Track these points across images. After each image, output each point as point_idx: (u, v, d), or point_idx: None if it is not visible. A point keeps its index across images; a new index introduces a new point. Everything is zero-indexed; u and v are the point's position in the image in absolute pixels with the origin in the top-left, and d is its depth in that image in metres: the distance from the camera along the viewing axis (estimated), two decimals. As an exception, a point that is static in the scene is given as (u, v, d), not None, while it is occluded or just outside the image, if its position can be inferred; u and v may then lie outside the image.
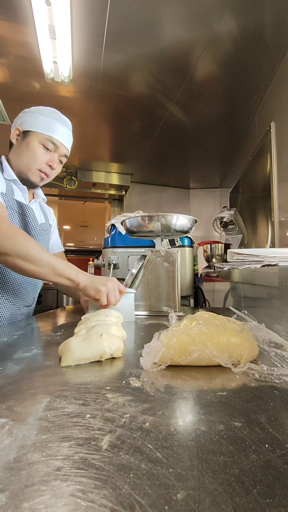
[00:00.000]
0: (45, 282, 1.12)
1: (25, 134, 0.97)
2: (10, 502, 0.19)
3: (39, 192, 1.11)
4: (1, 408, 0.31)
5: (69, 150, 1.05)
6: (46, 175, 1.01)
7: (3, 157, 1.00)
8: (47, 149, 0.97)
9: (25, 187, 1.00)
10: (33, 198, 1.09)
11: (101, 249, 2.07)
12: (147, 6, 1.28)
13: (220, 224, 2.46)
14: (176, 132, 2.33)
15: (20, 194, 1.00)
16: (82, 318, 0.73)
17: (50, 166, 0.99)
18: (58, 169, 1.03)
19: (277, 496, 0.19)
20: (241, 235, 2.27)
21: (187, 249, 1.89)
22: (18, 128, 0.97)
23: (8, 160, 1.00)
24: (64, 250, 1.28)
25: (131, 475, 0.21)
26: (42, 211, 1.13)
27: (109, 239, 1.96)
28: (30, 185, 1.01)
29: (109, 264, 1.82)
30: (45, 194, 1.18)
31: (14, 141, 0.98)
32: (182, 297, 1.75)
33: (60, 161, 1.03)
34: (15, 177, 0.97)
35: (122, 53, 1.57)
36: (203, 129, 2.27)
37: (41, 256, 0.79)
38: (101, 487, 0.20)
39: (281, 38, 1.44)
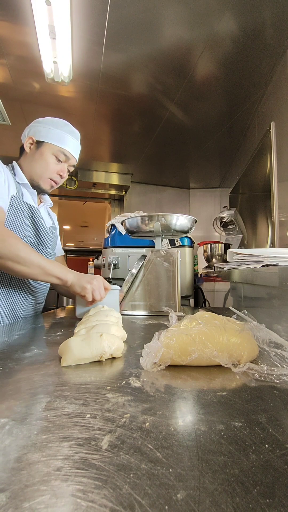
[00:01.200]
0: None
1: (38, 144, 1.03)
2: (11, 502, 0.19)
3: (46, 197, 1.16)
4: (1, 408, 0.31)
5: (77, 159, 1.11)
6: (56, 183, 1.08)
7: (14, 162, 1.05)
8: (59, 160, 1.04)
9: (35, 191, 1.06)
10: (41, 202, 1.15)
11: (101, 249, 2.07)
12: (147, 6, 1.28)
13: (220, 224, 2.46)
14: (176, 132, 2.33)
15: (30, 197, 1.05)
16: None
17: (60, 175, 1.07)
18: (66, 177, 1.10)
19: (277, 496, 0.19)
20: (241, 235, 2.27)
21: (187, 249, 1.89)
22: (31, 138, 1.03)
23: (19, 165, 1.05)
24: (64, 254, 1.34)
25: (131, 475, 0.21)
26: (49, 215, 1.20)
27: (109, 239, 1.96)
28: (40, 191, 1.08)
29: (109, 264, 1.82)
30: (45, 194, 1.20)
31: (27, 149, 1.03)
32: (182, 297, 1.75)
33: (68, 170, 1.10)
34: (26, 181, 1.02)
35: (122, 53, 1.57)
36: (203, 129, 2.27)
37: (31, 258, 0.83)
38: (101, 487, 0.20)
39: (281, 38, 1.44)
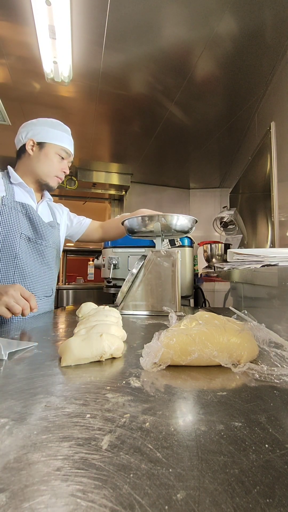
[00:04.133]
0: None
1: (40, 145, 1.11)
2: (10, 502, 0.19)
3: (46, 193, 1.23)
4: (1, 408, 0.31)
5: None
6: (61, 180, 1.20)
7: (9, 167, 1.13)
8: (62, 158, 1.15)
9: (31, 189, 1.12)
10: (41, 199, 1.22)
11: (101, 249, 2.07)
12: (147, 6, 1.28)
13: (220, 224, 2.46)
14: (176, 132, 2.33)
15: (27, 195, 1.12)
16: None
17: (64, 172, 1.18)
18: (68, 173, 1.21)
19: (277, 496, 0.19)
20: (241, 235, 2.27)
21: (187, 249, 1.89)
22: (32, 140, 1.11)
23: (19, 166, 1.14)
24: (91, 220, 1.49)
25: (131, 475, 0.21)
26: (51, 210, 1.25)
27: (109, 239, 1.95)
28: (48, 189, 1.19)
29: (109, 264, 1.82)
30: (45, 194, 1.24)
31: (30, 151, 1.11)
32: (182, 297, 1.75)
33: (68, 165, 1.20)
34: (21, 181, 1.09)
35: (122, 53, 1.57)
36: (203, 129, 2.27)
37: None
38: (101, 487, 0.20)
39: (281, 38, 1.44)
